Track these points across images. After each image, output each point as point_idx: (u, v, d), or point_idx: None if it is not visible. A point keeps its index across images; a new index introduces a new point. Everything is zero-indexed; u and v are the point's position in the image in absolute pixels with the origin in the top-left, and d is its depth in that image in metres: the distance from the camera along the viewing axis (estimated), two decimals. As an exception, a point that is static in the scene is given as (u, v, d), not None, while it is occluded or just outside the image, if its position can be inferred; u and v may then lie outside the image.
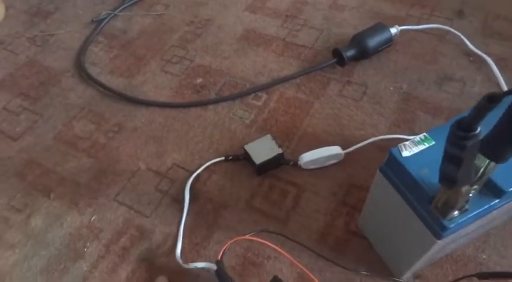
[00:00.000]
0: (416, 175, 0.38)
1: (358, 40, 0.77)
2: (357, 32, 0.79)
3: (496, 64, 0.74)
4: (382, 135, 0.66)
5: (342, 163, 0.65)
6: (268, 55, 0.83)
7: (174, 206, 0.63)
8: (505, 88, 0.72)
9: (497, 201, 0.38)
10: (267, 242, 0.51)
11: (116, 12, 0.93)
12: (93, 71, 0.83)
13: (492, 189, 0.37)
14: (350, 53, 0.76)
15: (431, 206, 0.37)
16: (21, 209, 0.65)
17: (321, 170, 0.65)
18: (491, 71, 0.74)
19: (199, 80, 0.80)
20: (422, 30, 0.82)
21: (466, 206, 0.36)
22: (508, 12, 0.84)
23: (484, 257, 0.54)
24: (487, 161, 0.31)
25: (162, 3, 0.97)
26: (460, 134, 0.25)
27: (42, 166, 0.70)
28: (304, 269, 0.51)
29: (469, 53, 0.78)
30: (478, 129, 0.25)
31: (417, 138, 0.41)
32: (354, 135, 0.68)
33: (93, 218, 0.63)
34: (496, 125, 0.29)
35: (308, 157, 0.63)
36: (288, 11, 0.91)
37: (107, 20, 0.92)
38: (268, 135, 0.66)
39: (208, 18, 0.92)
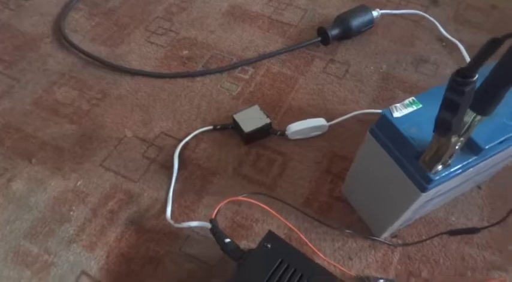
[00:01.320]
0: (406, 133, 0.41)
1: (341, 20, 0.80)
2: (340, 13, 0.82)
3: (467, 50, 0.80)
4: (363, 109, 0.70)
5: (326, 135, 0.68)
6: (254, 31, 0.84)
7: (162, 172, 0.64)
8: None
9: (475, 157, 0.42)
10: (258, 203, 0.53)
11: (97, -21, 0.91)
12: (74, 38, 0.81)
13: (471, 147, 0.41)
14: (334, 32, 0.79)
15: (419, 160, 0.40)
16: (1, 172, 0.63)
17: (306, 141, 0.67)
18: (462, 56, 0.80)
19: (185, 52, 0.80)
20: (400, 15, 0.87)
21: (449, 161, 0.40)
22: (478, 3, 0.90)
23: (453, 219, 0.59)
24: (474, 114, 0.35)
25: (145, -26, 0.95)
26: (459, 80, 0.28)
27: (21, 131, 0.68)
28: (293, 227, 0.54)
29: (442, 39, 0.83)
30: (476, 76, 0.28)
31: (406, 101, 0.44)
32: (337, 109, 0.72)
33: (79, 182, 0.62)
34: (484, 80, 0.33)
35: (295, 127, 0.65)
36: (273, -11, 0.92)
37: (87, -13, 0.89)
38: (256, 106, 0.67)
39: (194, -8, 0.91)
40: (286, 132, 0.66)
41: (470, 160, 0.42)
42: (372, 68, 0.78)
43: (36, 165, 0.64)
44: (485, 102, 0.33)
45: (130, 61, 0.78)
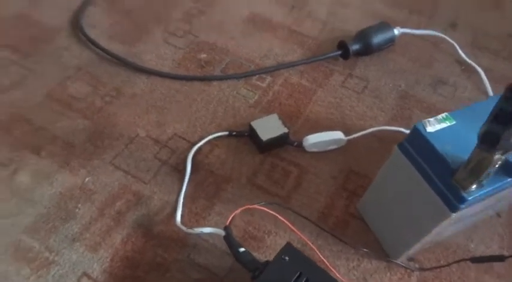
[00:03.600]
0: (440, 149, 0.40)
1: (363, 35, 0.79)
2: (360, 29, 0.81)
3: (486, 75, 0.79)
4: (382, 126, 0.68)
5: (343, 149, 0.67)
6: (273, 40, 0.83)
7: (173, 175, 0.61)
8: (493, 96, 0.77)
9: (509, 180, 0.40)
10: (276, 213, 0.51)
11: (119, -22, 0.90)
12: (92, 33, 0.80)
13: (506, 168, 0.40)
14: (355, 47, 0.78)
15: (453, 178, 0.39)
16: (6, 163, 0.61)
17: (323, 154, 0.66)
18: (480, 80, 0.79)
19: (203, 56, 0.79)
20: (419, 36, 0.86)
21: (484, 181, 0.39)
22: (495, 30, 0.90)
23: (472, 246, 0.58)
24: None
25: (167, -24, 0.94)
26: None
27: (32, 122, 0.66)
28: (309, 243, 0.51)
29: (461, 62, 0.83)
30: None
31: (439, 116, 0.43)
32: (354, 124, 0.70)
33: (87, 179, 0.60)
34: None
35: (312, 139, 0.64)
36: (294, 1, 0.92)
37: (108, -16, 0.89)
38: (275, 114, 0.66)
39: (215, -2, 0.91)
40: (303, 144, 0.64)
41: (504, 182, 0.40)
42: (390, 85, 0.77)
43: (44, 158, 0.62)
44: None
45: (147, 60, 0.77)
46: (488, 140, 0.32)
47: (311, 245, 0.52)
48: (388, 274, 0.54)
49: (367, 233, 0.57)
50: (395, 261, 0.54)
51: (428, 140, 0.41)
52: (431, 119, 0.43)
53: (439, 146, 0.40)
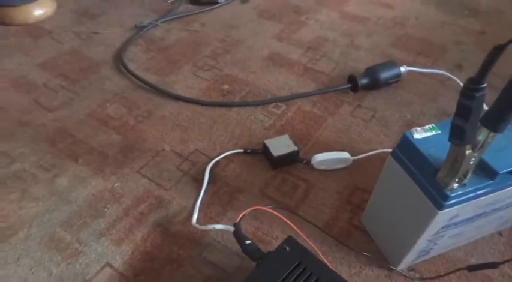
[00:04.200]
0: (424, 151, 0.45)
1: (371, 71, 0.87)
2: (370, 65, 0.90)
3: (489, 108, 0.84)
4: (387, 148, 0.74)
5: (349, 168, 0.72)
6: (289, 75, 0.92)
7: (192, 184, 0.68)
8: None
9: (490, 182, 0.45)
10: (282, 217, 0.56)
11: (158, 22, 1.05)
12: (131, 66, 0.92)
13: (486, 171, 0.44)
14: (364, 80, 0.86)
15: (436, 177, 0.44)
16: (49, 168, 0.69)
17: (330, 172, 0.71)
18: (484, 113, 0.84)
19: (226, 86, 0.89)
20: (426, 74, 0.93)
21: (465, 180, 0.43)
22: (499, 70, 0.96)
23: (473, 260, 0.59)
24: (488, 131, 0.38)
25: (199, 21, 1.08)
26: (470, 86, 0.33)
27: (73, 136, 0.75)
28: (313, 245, 0.55)
29: (466, 98, 0.88)
30: (485, 84, 0.33)
31: (426, 127, 0.49)
32: (361, 148, 0.76)
33: (116, 184, 0.67)
34: (497, 99, 0.37)
35: (320, 157, 0.70)
36: (310, 43, 1.03)
37: (148, 27, 1.03)
38: (286, 135, 0.73)
39: (239, 39, 1.03)
40: (311, 162, 0.70)
41: (485, 183, 0.45)
42: (397, 115, 0.83)
43: (81, 165, 0.70)
44: (497, 119, 0.37)
45: (176, 89, 0.87)
46: (456, 134, 0.37)
47: (316, 249, 0.57)
48: (389, 282, 0.56)
49: (369, 243, 0.61)
50: (396, 269, 0.57)
51: (414, 145, 0.46)
52: (419, 129, 0.48)
53: (424, 149, 0.46)
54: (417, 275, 0.57)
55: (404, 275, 0.57)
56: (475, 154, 0.40)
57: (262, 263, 0.47)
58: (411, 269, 0.58)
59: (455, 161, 0.40)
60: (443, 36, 1.07)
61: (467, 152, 0.39)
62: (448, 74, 0.92)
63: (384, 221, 0.57)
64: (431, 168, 0.44)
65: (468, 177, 0.43)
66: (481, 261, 0.59)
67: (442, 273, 0.57)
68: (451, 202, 0.44)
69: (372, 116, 0.83)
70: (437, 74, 0.93)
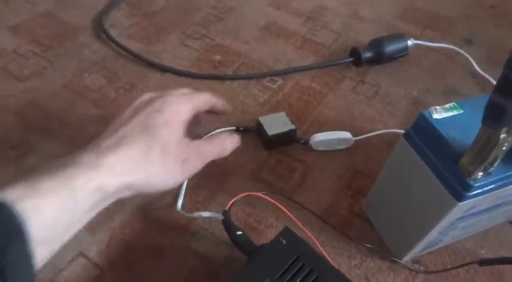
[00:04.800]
0: (445, 134, 0.39)
1: (376, 43, 0.80)
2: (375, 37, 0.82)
3: (500, 87, 0.78)
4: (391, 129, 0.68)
5: (350, 150, 0.66)
6: (287, 47, 0.85)
7: (178, 165, 0.61)
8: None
9: (518, 170, 0.39)
10: (277, 203, 0.50)
11: (143, -15, 0.95)
12: (112, 32, 0.83)
13: (514, 157, 0.38)
14: (367, 54, 0.79)
15: (458, 164, 0.38)
16: (16, 146, 0.62)
17: (329, 153, 0.65)
18: (495, 92, 0.78)
19: (217, 57, 0.81)
20: (434, 48, 0.86)
21: (491, 169, 0.37)
22: (511, 46, 0.90)
23: (483, 252, 0.55)
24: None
25: (189, -15, 0.99)
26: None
27: (46, 109, 0.68)
28: (311, 235, 0.50)
29: (475, 75, 0.82)
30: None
31: (447, 105, 0.42)
32: (363, 127, 0.70)
33: (93, 164, 0.60)
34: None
35: (320, 137, 0.64)
36: (310, 12, 0.94)
37: (132, -10, 0.93)
38: (283, 112, 0.66)
39: (232, 6, 0.94)
40: (310, 142, 0.64)
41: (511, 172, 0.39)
42: (402, 92, 0.77)
43: (53, 142, 0.63)
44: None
45: (162, 59, 0.79)
46: (493, 114, 0.31)
47: (313, 239, 0.51)
48: (392, 274, 0.52)
49: (370, 233, 0.56)
50: (399, 261, 0.52)
51: (433, 126, 0.40)
52: (438, 107, 0.42)
53: (444, 131, 0.40)
54: (422, 268, 0.53)
55: (408, 268, 0.52)
56: (510, 138, 0.34)
57: (255, 258, 0.41)
58: (415, 261, 0.53)
59: (485, 145, 0.34)
60: (451, 9, 1.00)
61: (502, 135, 0.33)
62: (457, 49, 0.85)
63: (389, 209, 0.52)
64: (453, 154, 0.38)
65: (495, 165, 0.37)
66: (491, 253, 0.55)
67: (449, 266, 0.52)
68: (473, 193, 0.38)
69: (375, 92, 0.77)
70: (445, 48, 0.86)
